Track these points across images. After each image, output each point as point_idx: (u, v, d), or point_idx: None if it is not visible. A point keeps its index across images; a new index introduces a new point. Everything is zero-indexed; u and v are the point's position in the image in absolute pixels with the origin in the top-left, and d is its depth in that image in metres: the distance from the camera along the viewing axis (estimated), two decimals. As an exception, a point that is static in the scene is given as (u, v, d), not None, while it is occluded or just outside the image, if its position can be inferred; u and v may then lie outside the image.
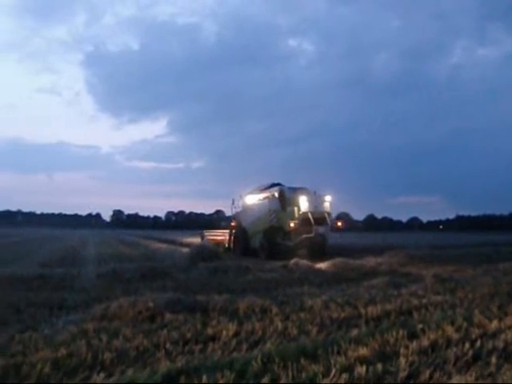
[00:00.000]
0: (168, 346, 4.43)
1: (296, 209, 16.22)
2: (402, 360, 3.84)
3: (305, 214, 16.08)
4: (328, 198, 17.16)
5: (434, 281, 9.27)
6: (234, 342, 4.59)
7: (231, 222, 20.51)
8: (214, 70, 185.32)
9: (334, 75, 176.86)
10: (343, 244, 22.18)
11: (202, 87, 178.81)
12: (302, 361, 3.84)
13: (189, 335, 4.82)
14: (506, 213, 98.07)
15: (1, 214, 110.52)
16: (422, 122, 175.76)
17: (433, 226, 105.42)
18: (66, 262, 13.91)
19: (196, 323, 5.33)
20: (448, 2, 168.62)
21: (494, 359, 3.92)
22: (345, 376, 3.46)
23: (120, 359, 4.03)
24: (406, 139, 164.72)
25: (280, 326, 5.24)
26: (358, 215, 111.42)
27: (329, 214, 16.88)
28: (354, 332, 4.92)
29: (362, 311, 6.06)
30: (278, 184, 18.24)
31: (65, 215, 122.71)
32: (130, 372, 3.63)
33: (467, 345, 4.29)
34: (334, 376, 3.47)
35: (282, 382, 3.44)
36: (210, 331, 4.98)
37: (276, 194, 17.30)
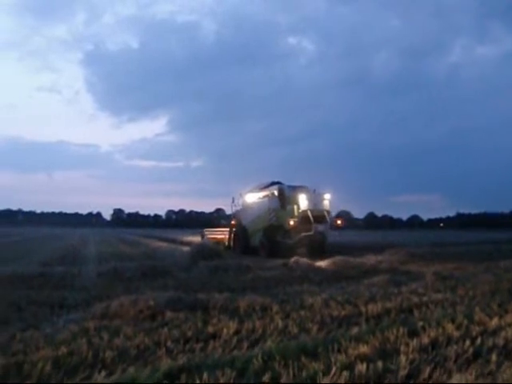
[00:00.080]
0: (169, 344, 4.44)
1: (295, 207, 16.25)
2: (403, 358, 3.85)
3: (304, 212, 16.11)
4: (327, 196, 17.20)
5: (434, 278, 9.28)
6: (234, 340, 4.59)
7: (231, 220, 20.53)
8: (214, 68, 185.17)
9: (334, 74, 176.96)
10: (343, 242, 22.19)
11: (202, 86, 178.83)
12: (303, 359, 3.85)
13: (190, 333, 4.82)
14: (506, 210, 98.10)
15: (1, 213, 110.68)
16: (422, 120, 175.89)
17: (433, 223, 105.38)
18: (66, 260, 13.91)
19: (197, 321, 5.34)
20: (447, 0, 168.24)
21: (494, 357, 3.92)
22: (345, 374, 3.46)
23: (121, 357, 4.03)
24: (406, 138, 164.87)
25: (280, 324, 5.25)
26: (359, 213, 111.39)
27: (328, 212, 16.92)
28: (355, 330, 4.93)
29: (363, 309, 6.07)
30: (277, 182, 18.28)
31: (65, 214, 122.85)
32: (131, 370, 3.64)
33: (467, 342, 4.29)
34: (335, 374, 3.47)
35: (282, 380, 3.45)
36: (210, 329, 4.99)
37: (276, 193, 17.32)
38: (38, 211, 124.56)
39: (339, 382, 3.39)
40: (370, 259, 14.15)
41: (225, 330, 4.91)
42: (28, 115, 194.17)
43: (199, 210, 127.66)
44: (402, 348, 4.19)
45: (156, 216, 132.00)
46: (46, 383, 3.52)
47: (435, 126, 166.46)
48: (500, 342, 4.39)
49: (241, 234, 18.85)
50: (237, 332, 4.92)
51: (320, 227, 16.22)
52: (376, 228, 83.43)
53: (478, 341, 4.38)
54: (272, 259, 14.16)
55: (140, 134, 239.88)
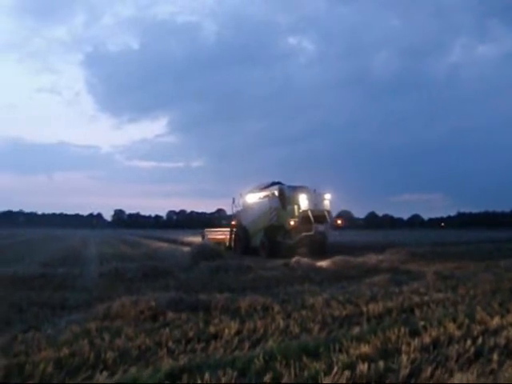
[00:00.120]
0: (170, 344, 4.45)
1: (296, 207, 16.27)
2: (404, 357, 3.85)
3: (305, 212, 16.13)
4: (328, 196, 17.22)
5: (435, 278, 9.28)
6: (236, 340, 4.60)
7: (232, 220, 20.53)
8: (214, 69, 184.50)
9: (334, 74, 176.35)
10: (344, 242, 22.18)
11: (202, 86, 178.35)
12: (304, 359, 3.85)
13: (191, 334, 4.83)
14: (507, 210, 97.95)
15: (2, 215, 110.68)
16: (422, 120, 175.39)
17: (434, 223, 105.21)
18: (67, 261, 13.94)
19: (198, 322, 5.35)
20: (448, 0, 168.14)
21: (495, 356, 3.92)
22: (347, 373, 3.46)
23: (122, 358, 4.04)
24: (407, 137, 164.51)
25: (282, 324, 5.25)
26: (359, 213, 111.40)
27: (328, 212, 16.94)
28: (356, 330, 4.93)
29: (364, 309, 6.07)
30: (277, 183, 18.32)
31: (66, 215, 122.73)
32: (132, 371, 3.64)
33: (469, 342, 4.29)
34: (336, 374, 3.48)
35: (284, 380, 3.45)
36: (212, 330, 4.99)
37: (276, 193, 17.34)
38: (39, 212, 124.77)
39: (341, 381, 3.39)
40: (371, 259, 14.14)
41: (226, 331, 4.91)
42: (28, 116, 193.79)
43: (200, 210, 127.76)
44: (404, 347, 4.19)
45: (157, 217, 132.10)
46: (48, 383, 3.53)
47: (435, 125, 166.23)
48: (501, 341, 4.39)
49: (241, 235, 18.85)
50: (238, 332, 4.92)
51: (320, 227, 16.23)
52: (377, 227, 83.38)
53: (480, 340, 4.37)
54: (273, 259, 14.17)
55: (140, 135, 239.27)
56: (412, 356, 3.92)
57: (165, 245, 25.52)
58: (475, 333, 4.71)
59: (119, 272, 10.34)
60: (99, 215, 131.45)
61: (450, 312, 5.82)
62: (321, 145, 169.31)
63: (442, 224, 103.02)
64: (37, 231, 57.80)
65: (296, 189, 17.16)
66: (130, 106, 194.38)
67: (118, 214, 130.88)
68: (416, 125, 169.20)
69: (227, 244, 19.97)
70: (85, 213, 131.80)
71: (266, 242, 16.99)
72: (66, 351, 4.11)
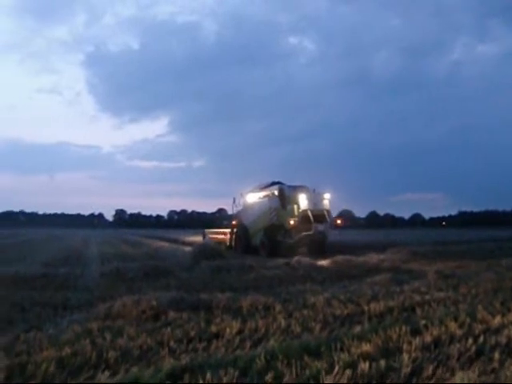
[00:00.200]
0: (172, 344, 4.45)
1: (296, 207, 16.31)
2: (405, 356, 3.85)
3: (304, 211, 16.18)
4: (327, 195, 17.28)
5: (436, 277, 9.28)
6: (237, 339, 4.61)
7: (232, 220, 20.57)
8: (214, 69, 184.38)
9: (334, 74, 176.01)
10: (345, 241, 22.17)
11: (203, 86, 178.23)
12: (306, 358, 3.86)
13: (192, 333, 4.84)
14: (508, 208, 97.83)
15: (3, 215, 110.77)
16: (423, 119, 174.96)
17: (435, 222, 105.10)
18: (69, 261, 13.96)
19: (200, 321, 5.35)
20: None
21: (497, 355, 3.92)
22: (348, 372, 3.47)
23: (124, 358, 4.05)
24: (408, 136, 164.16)
25: (283, 323, 5.26)
26: (361, 212, 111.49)
27: (328, 211, 16.99)
28: (357, 329, 4.94)
29: (365, 308, 6.07)
30: (277, 182, 18.36)
31: (67, 215, 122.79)
32: (134, 370, 3.65)
33: (470, 340, 4.30)
34: (338, 373, 3.48)
35: (285, 379, 3.45)
36: (213, 329, 5.00)
37: (276, 193, 17.38)
38: (40, 212, 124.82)
39: (342, 380, 3.39)
40: (373, 258, 14.14)
41: (228, 330, 4.92)
42: (29, 117, 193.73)
43: (201, 210, 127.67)
44: (405, 346, 4.19)
45: (158, 216, 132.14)
46: (50, 383, 3.53)
47: (436, 125, 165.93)
48: (503, 340, 4.39)
49: (242, 234, 18.89)
50: (240, 331, 4.93)
51: (320, 227, 16.28)
52: (378, 227, 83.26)
53: (481, 339, 4.38)
54: (273, 259, 14.17)
55: (141, 135, 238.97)
56: (413, 355, 3.92)
57: (166, 244, 25.54)
58: (476, 332, 4.71)
59: (120, 272, 10.35)
60: (100, 215, 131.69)
61: (451, 311, 5.83)
62: (321, 144, 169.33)
63: (443, 223, 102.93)
64: (38, 231, 57.88)
65: (296, 188, 17.20)
66: (131, 105, 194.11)
67: (120, 213, 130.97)
68: (416, 124, 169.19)
69: (228, 243, 20.00)
70: (86, 213, 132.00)
71: (266, 241, 17.03)
72: (67, 351, 4.12)
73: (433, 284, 8.29)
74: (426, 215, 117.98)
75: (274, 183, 18.44)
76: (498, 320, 5.19)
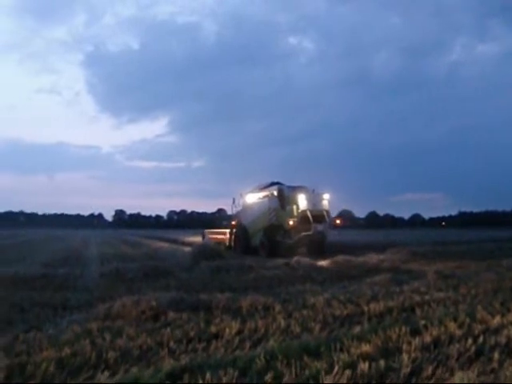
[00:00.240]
0: (171, 344, 4.45)
1: (295, 207, 16.35)
2: (405, 356, 3.86)
3: (303, 212, 16.20)
4: (326, 196, 17.32)
5: (436, 277, 9.28)
6: (237, 339, 4.60)
7: (232, 220, 20.58)
8: (214, 69, 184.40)
9: (334, 74, 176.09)
10: (345, 241, 22.19)
11: (202, 86, 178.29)
12: (305, 358, 3.86)
13: (192, 333, 4.84)
14: (508, 209, 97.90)
15: (3, 216, 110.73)
16: (422, 119, 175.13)
17: (435, 222, 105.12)
18: (68, 262, 13.95)
19: (199, 322, 5.35)
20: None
21: (496, 355, 3.92)
22: (348, 373, 3.47)
23: (124, 358, 4.05)
24: (408, 136, 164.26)
25: (283, 323, 5.26)
26: (360, 212, 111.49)
27: (327, 211, 17.03)
28: (357, 329, 4.94)
29: (365, 308, 6.08)
30: (277, 183, 18.38)
31: (67, 216, 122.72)
32: (134, 370, 3.65)
33: (470, 341, 4.30)
34: (337, 373, 3.48)
35: (285, 379, 3.45)
36: (213, 329, 5.00)
37: (275, 193, 17.40)
38: (40, 213, 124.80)
39: (342, 380, 3.40)
40: (372, 258, 14.15)
41: (227, 330, 4.92)
42: (28, 117, 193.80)
43: (201, 210, 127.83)
44: (405, 347, 4.19)
45: (157, 217, 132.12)
46: (50, 383, 3.54)
47: (436, 125, 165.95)
48: (502, 340, 4.39)
49: (241, 235, 18.90)
50: (239, 332, 4.93)
51: (319, 227, 16.32)
52: (378, 227, 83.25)
53: (480, 339, 4.38)
54: (273, 259, 14.17)
55: (140, 135, 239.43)
56: (413, 355, 3.93)
57: (165, 245, 25.53)
58: (476, 332, 4.72)
59: (120, 272, 10.35)
60: (100, 215, 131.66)
61: (450, 311, 5.83)
62: (321, 145, 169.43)
63: (443, 223, 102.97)
64: (38, 231, 57.86)
65: (295, 189, 17.24)
66: (130, 106, 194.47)
67: (119, 214, 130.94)
68: (416, 124, 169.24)
69: (227, 244, 20.01)
70: (86, 213, 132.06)
71: (265, 241, 17.05)
72: (67, 351, 4.12)
73: (432, 284, 8.29)
74: (426, 215, 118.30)
75: (273, 183, 18.47)
76: (497, 320, 5.20)
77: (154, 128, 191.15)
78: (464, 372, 3.55)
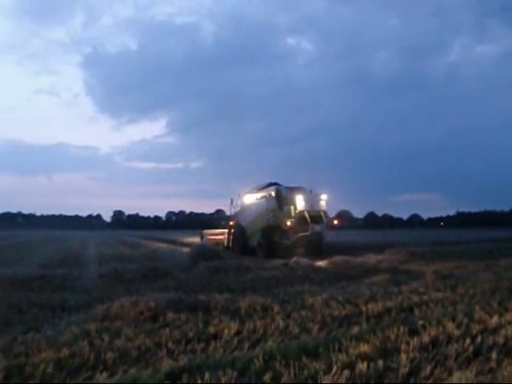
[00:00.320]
0: (170, 345, 4.45)
1: (292, 208, 16.38)
2: (403, 356, 3.86)
3: (301, 212, 16.22)
4: (324, 196, 17.34)
5: (434, 277, 9.30)
6: (235, 340, 4.60)
7: (230, 221, 20.59)
8: (213, 69, 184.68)
9: (334, 74, 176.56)
10: (344, 242, 22.21)
11: (201, 87, 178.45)
12: (304, 358, 3.86)
13: (191, 334, 4.84)
14: (506, 209, 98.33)
15: (1, 216, 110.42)
16: (421, 119, 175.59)
17: (433, 222, 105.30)
18: (67, 262, 13.93)
19: (198, 322, 5.35)
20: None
21: (494, 355, 3.93)
22: (346, 373, 3.47)
23: (122, 359, 4.04)
24: (406, 137, 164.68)
25: (281, 324, 5.26)
26: (359, 213, 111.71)
27: (325, 212, 17.05)
28: (355, 329, 4.95)
29: (363, 308, 6.08)
30: (274, 183, 18.39)
31: (65, 216, 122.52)
32: (132, 371, 3.65)
33: (468, 341, 4.31)
34: (336, 373, 3.49)
35: (283, 379, 3.46)
36: (211, 330, 5.00)
37: (273, 194, 17.42)
38: (38, 214, 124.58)
39: (340, 381, 3.40)
40: (371, 259, 14.17)
41: (226, 331, 4.92)
42: (27, 118, 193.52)
43: (199, 211, 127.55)
44: (403, 347, 4.20)
45: (156, 217, 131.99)
46: (48, 385, 3.53)
47: (435, 125, 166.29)
48: (500, 340, 4.40)
49: (239, 235, 18.91)
50: (238, 332, 4.93)
51: (317, 227, 16.33)
52: (376, 227, 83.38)
53: (479, 339, 4.39)
54: (271, 259, 14.17)
55: (139, 136, 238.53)
56: (411, 355, 3.93)
57: (164, 245, 25.52)
58: (474, 332, 4.73)
59: (118, 273, 10.34)
60: (98, 216, 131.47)
61: (449, 311, 5.84)
62: (320, 145, 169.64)
63: (442, 223, 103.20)
64: (36, 232, 57.77)
65: (292, 189, 17.27)
66: (129, 106, 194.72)
67: (118, 214, 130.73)
68: (416, 125, 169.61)
69: (225, 244, 20.02)
70: (84, 214, 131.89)
71: (263, 242, 17.06)
72: (65, 352, 4.11)
73: (431, 284, 8.30)
74: (424, 216, 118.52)
75: (270, 184, 18.47)
76: (495, 320, 5.21)
77: (152, 129, 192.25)
78: (462, 372, 3.56)
